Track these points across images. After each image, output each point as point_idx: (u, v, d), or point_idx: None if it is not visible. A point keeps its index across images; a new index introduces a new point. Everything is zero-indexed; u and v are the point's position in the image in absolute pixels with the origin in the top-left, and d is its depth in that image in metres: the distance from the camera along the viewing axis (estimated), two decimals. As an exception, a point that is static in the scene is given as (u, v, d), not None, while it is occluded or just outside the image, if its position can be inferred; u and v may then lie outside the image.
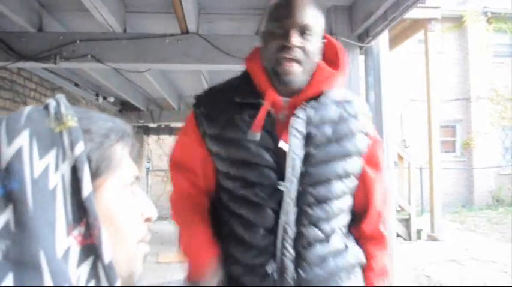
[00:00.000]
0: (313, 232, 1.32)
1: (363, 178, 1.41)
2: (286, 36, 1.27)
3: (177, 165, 1.47)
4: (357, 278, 1.41)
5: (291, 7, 1.29)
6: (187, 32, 3.16)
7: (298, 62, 1.28)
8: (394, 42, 8.72)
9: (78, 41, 3.09)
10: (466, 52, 14.94)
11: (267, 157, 1.30)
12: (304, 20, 1.28)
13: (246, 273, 1.35)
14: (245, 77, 1.41)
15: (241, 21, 3.51)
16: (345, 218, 1.41)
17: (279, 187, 1.28)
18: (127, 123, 0.76)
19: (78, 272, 0.60)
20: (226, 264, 1.37)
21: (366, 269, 1.44)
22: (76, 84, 5.54)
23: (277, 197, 1.29)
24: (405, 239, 8.55)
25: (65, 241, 0.60)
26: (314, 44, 1.31)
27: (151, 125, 9.51)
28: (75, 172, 0.62)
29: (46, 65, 3.16)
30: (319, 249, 1.33)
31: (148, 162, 13.05)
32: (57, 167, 0.62)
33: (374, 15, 2.82)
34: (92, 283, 0.62)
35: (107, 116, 0.74)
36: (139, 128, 10.05)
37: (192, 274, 1.38)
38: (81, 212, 0.62)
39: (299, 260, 1.31)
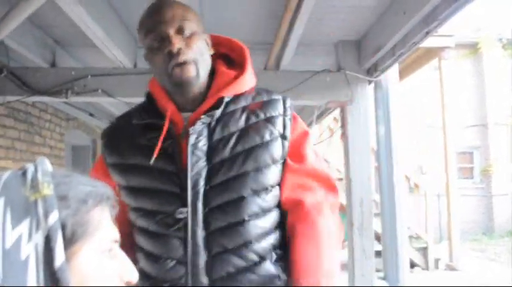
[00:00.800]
0: (230, 260, 1.16)
1: (289, 176, 1.24)
2: (167, 43, 1.15)
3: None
4: None
5: (159, 12, 1.18)
6: (196, 67, 3.20)
7: (189, 62, 1.17)
8: (407, 70, 8.72)
9: (89, 76, 3.15)
10: (482, 78, 14.83)
11: (170, 182, 1.19)
12: (178, 20, 1.17)
13: None
14: (148, 100, 1.31)
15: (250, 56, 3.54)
16: (277, 238, 1.23)
17: (177, 216, 1.16)
18: (107, 186, 0.76)
19: None
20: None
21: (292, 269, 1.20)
22: (91, 114, 5.62)
23: (182, 225, 1.17)
24: (422, 269, 8.35)
25: None
26: (197, 39, 1.20)
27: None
28: (48, 241, 0.62)
29: (58, 99, 3.21)
30: (242, 280, 1.16)
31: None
32: (30, 237, 0.62)
33: (382, 50, 2.83)
34: None
35: (88, 179, 0.74)
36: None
37: None
38: (54, 282, 0.61)
39: None
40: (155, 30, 1.17)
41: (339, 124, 3.71)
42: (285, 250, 1.23)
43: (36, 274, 0.61)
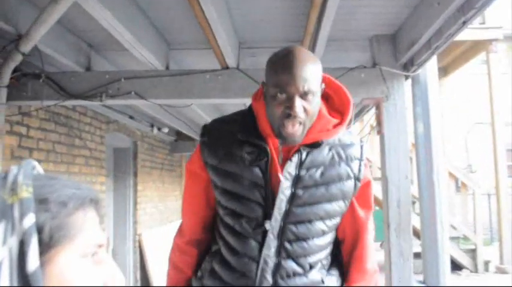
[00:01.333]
0: (292, 266, 1.45)
1: (353, 217, 1.52)
2: (290, 104, 1.31)
3: (185, 198, 1.63)
4: None
5: (292, 73, 1.30)
6: (227, 67, 3.18)
7: (300, 123, 1.34)
8: (454, 64, 8.43)
9: (122, 79, 3.19)
10: (534, 71, 14.11)
11: (257, 193, 1.41)
12: (305, 85, 1.30)
13: None
14: (250, 114, 1.48)
15: (282, 54, 3.49)
16: (326, 253, 1.52)
17: (265, 225, 1.41)
18: (93, 190, 0.73)
19: None
20: (208, 277, 1.54)
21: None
22: (131, 117, 5.72)
23: (261, 231, 1.42)
24: (471, 271, 8.03)
25: None
26: (315, 103, 1.35)
27: (207, 153, 9.64)
28: (22, 245, 0.60)
29: (93, 102, 3.28)
30: (296, 281, 1.46)
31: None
32: (5, 240, 0.60)
33: (417, 44, 2.71)
34: None
35: (73, 182, 0.71)
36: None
37: None
38: None
39: None
40: (284, 88, 1.31)
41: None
42: (328, 261, 1.54)
43: (10, 278, 0.59)
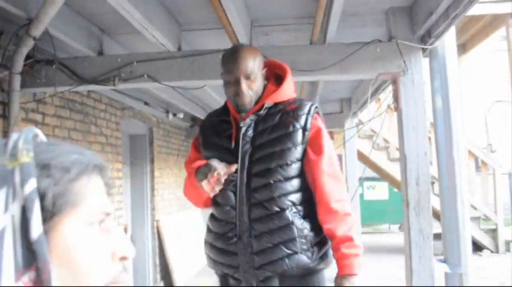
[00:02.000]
0: (261, 210, 1.82)
1: (308, 163, 1.85)
2: (237, 85, 1.84)
3: (193, 147, 2.08)
4: (306, 247, 1.82)
5: (236, 61, 1.84)
6: (239, 46, 3.13)
7: (248, 96, 1.85)
8: (473, 41, 8.21)
9: (135, 62, 3.16)
10: (557, 46, 13.75)
11: (229, 155, 1.86)
12: (247, 69, 1.83)
13: (217, 239, 1.91)
14: (225, 104, 2.03)
15: (295, 32, 3.43)
16: (295, 198, 1.84)
17: (231, 178, 1.80)
18: (97, 156, 0.70)
19: None
20: (209, 232, 1.96)
21: (332, 242, 1.85)
22: (146, 103, 5.71)
23: (234, 183, 1.84)
24: (492, 252, 7.94)
25: None
26: (258, 81, 1.88)
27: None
28: (24, 212, 0.57)
29: (106, 87, 3.26)
30: (267, 223, 1.82)
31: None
32: (6, 207, 0.57)
33: (435, 14, 2.62)
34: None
35: (76, 148, 0.68)
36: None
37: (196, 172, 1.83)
38: (31, 255, 0.56)
39: (251, 230, 1.83)
40: (231, 73, 1.85)
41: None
42: (304, 207, 1.87)
43: (13, 246, 0.56)
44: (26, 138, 0.63)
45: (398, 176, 8.03)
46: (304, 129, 1.84)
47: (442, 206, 3.11)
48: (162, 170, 6.84)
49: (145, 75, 3.16)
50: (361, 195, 9.06)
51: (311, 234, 1.83)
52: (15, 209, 0.58)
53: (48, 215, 0.59)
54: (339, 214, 1.80)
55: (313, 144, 1.85)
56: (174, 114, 6.81)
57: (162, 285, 6.44)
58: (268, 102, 1.89)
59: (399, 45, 2.96)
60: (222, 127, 1.95)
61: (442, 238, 3.08)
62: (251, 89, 1.84)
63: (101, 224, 0.66)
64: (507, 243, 8.06)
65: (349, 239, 1.78)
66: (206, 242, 1.98)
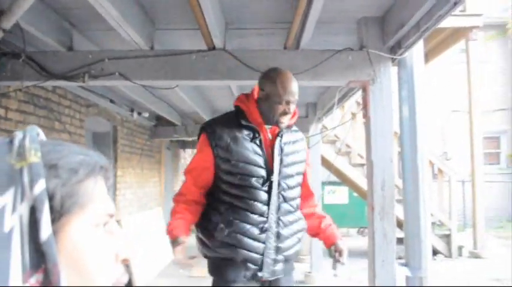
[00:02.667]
0: (287, 206, 2.29)
1: (304, 174, 2.42)
2: (285, 105, 2.21)
3: (190, 171, 2.31)
4: (303, 237, 2.42)
5: (293, 85, 2.23)
6: (213, 48, 3.13)
7: (289, 116, 2.27)
8: (433, 52, 8.50)
9: (106, 59, 3.10)
10: (510, 60, 14.38)
11: (260, 160, 2.23)
12: (294, 97, 2.23)
13: (247, 229, 2.20)
14: (238, 111, 2.31)
15: (269, 36, 3.46)
16: (299, 200, 2.40)
17: (271, 179, 2.22)
18: (102, 156, 0.70)
19: None
20: (232, 224, 2.20)
21: (322, 223, 2.49)
22: (111, 101, 5.62)
23: (266, 184, 2.22)
24: (445, 256, 8.22)
25: None
26: (294, 107, 2.28)
27: (187, 139, 9.57)
28: (34, 212, 0.57)
29: (75, 83, 3.19)
30: (290, 217, 2.31)
31: (185, 175, 13.13)
32: (14, 208, 0.57)
33: (406, 25, 2.71)
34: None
35: (81, 148, 0.68)
36: (175, 143, 10.14)
37: (169, 235, 2.19)
38: (39, 257, 0.56)
39: (279, 222, 2.25)
40: (283, 97, 2.20)
41: (361, 108, 3.60)
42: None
43: (21, 247, 0.56)
44: (32, 138, 0.63)
45: (359, 181, 8.21)
46: (304, 149, 2.42)
47: (405, 212, 3.21)
48: (124, 170, 6.74)
49: (117, 73, 3.11)
50: (322, 199, 9.19)
51: (305, 228, 2.44)
52: (24, 209, 0.57)
53: (57, 216, 0.59)
54: (318, 206, 2.62)
55: (308, 162, 2.47)
56: (139, 113, 6.73)
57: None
58: (291, 124, 2.35)
59: (370, 55, 3.04)
60: (243, 132, 2.25)
61: (404, 242, 3.18)
62: (290, 111, 2.26)
63: (105, 226, 0.66)
64: (460, 248, 8.35)
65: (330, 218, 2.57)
66: (227, 234, 2.20)
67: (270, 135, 2.28)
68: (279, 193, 2.23)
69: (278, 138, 2.27)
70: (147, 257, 6.70)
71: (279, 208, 2.24)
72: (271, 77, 2.26)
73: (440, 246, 8.24)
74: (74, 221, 0.61)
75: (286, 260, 2.32)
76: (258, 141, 2.24)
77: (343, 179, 8.75)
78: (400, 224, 4.32)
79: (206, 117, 6.84)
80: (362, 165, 8.25)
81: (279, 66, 3.08)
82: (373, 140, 3.06)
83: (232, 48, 3.22)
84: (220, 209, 2.24)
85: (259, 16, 3.15)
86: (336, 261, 2.40)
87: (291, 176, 2.28)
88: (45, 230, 0.56)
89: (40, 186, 0.57)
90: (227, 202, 2.23)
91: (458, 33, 8.04)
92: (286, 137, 2.32)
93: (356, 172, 8.29)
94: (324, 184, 7.15)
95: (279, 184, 2.23)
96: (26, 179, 0.58)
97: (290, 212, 2.29)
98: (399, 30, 2.77)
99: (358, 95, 5.51)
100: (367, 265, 3.12)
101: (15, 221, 0.56)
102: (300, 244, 2.40)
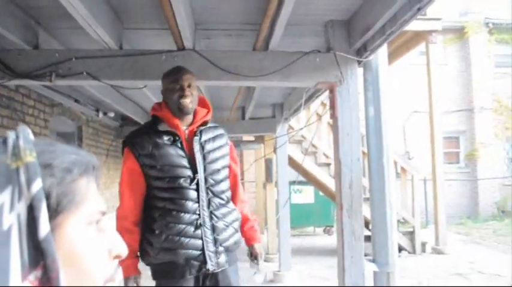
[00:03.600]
0: (218, 200, 2.47)
1: (230, 168, 2.63)
2: (182, 89, 2.46)
3: (124, 182, 2.45)
4: (238, 227, 2.60)
5: (181, 75, 2.50)
6: (183, 49, 3.13)
7: (189, 99, 2.45)
8: (395, 54, 8.72)
9: (73, 58, 3.06)
10: (468, 63, 14.92)
11: (183, 161, 2.41)
12: (188, 81, 2.49)
13: (181, 230, 2.35)
14: (156, 119, 2.54)
15: (238, 37, 3.49)
16: (229, 192, 2.58)
17: (196, 177, 2.40)
18: (93, 155, 0.72)
19: None
20: (168, 228, 2.36)
21: (245, 225, 2.74)
22: (76, 100, 5.52)
23: (194, 183, 2.39)
24: (409, 253, 8.45)
25: (20, 286, 0.56)
26: (194, 92, 2.51)
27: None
28: (31, 211, 0.58)
29: (42, 82, 3.13)
30: (222, 209, 2.48)
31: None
32: (12, 206, 0.58)
33: (372, 29, 2.79)
34: (52, 330, 0.58)
35: (72, 148, 0.70)
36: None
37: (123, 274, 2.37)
38: (38, 254, 0.57)
39: (212, 216, 2.43)
40: (177, 82, 2.48)
41: (327, 109, 3.68)
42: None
43: (19, 245, 0.57)
44: (26, 138, 0.64)
45: (325, 180, 8.34)
46: (227, 145, 2.62)
47: (372, 209, 3.30)
48: (90, 170, 6.62)
49: (85, 73, 3.07)
50: (290, 198, 9.29)
51: (240, 218, 2.64)
52: (21, 208, 0.58)
53: (53, 214, 0.61)
54: (247, 203, 2.80)
55: (232, 156, 2.65)
56: (105, 113, 6.63)
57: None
58: (207, 121, 2.57)
59: (337, 57, 3.12)
60: (163, 138, 2.42)
61: (372, 239, 3.27)
62: (191, 95, 2.45)
63: (97, 224, 0.68)
64: (423, 244, 8.61)
65: (254, 220, 2.80)
66: (165, 238, 2.35)
67: (187, 136, 2.48)
68: (207, 188, 2.41)
69: (196, 137, 2.45)
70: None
71: (209, 202, 2.41)
72: (163, 75, 2.59)
73: (405, 243, 8.47)
74: (69, 219, 0.63)
75: (227, 250, 2.47)
76: (178, 144, 2.41)
77: (310, 179, 8.87)
78: (366, 223, 4.44)
79: (173, 118, 6.82)
80: (328, 165, 8.39)
81: (247, 67, 3.15)
82: (341, 140, 3.14)
83: (201, 49, 3.24)
84: (154, 215, 2.39)
85: (228, 17, 3.17)
86: (252, 261, 2.74)
87: (217, 170, 2.46)
88: (44, 227, 0.58)
89: (37, 185, 0.59)
90: (160, 207, 2.39)
91: (418, 37, 8.29)
92: (206, 134, 2.50)
93: (322, 172, 8.41)
94: (290, 183, 7.22)
95: (206, 180, 2.41)
96: (22, 178, 0.59)
97: (222, 205, 2.47)
98: (365, 33, 2.86)
99: (323, 96, 5.60)
100: (336, 261, 3.20)
101: (13, 220, 0.57)
102: (238, 234, 2.58)
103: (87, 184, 0.67)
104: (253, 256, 2.74)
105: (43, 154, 0.63)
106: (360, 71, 3.30)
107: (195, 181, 2.37)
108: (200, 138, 2.47)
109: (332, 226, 10.87)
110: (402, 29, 2.64)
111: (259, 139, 8.87)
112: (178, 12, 2.56)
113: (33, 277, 0.57)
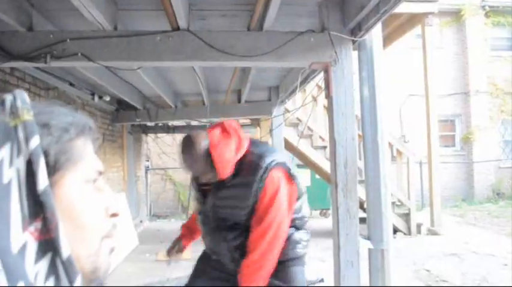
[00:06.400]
0: (232, 235, 2.50)
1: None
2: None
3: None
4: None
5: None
6: (178, 29, 3.13)
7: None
8: (391, 37, 8.69)
9: (68, 40, 3.06)
10: (464, 46, 14.90)
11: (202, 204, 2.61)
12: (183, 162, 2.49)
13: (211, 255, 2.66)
14: None
15: (233, 18, 3.49)
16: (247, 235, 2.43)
17: (207, 214, 2.56)
18: (89, 118, 0.74)
19: (36, 268, 0.59)
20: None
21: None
22: (71, 84, 5.51)
23: (207, 219, 2.58)
24: (405, 234, 8.54)
25: (21, 236, 0.58)
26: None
27: (149, 123, 9.48)
28: (30, 165, 0.61)
29: (37, 64, 3.13)
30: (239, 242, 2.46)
31: (148, 161, 13.02)
32: (11, 161, 0.60)
33: (366, 8, 2.79)
34: (51, 280, 0.60)
35: (68, 110, 0.72)
36: (137, 127, 10.02)
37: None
38: (37, 207, 0.60)
39: (230, 253, 2.51)
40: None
41: (322, 91, 3.68)
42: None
43: (19, 198, 0.60)
44: (23, 99, 0.66)
45: (321, 163, 8.38)
46: (258, 189, 2.55)
47: (367, 188, 3.34)
48: (86, 155, 6.63)
49: (79, 54, 3.07)
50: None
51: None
52: (20, 163, 0.61)
53: (51, 171, 0.63)
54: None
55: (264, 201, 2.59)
56: (100, 97, 6.62)
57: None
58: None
59: (331, 37, 3.12)
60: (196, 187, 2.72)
61: (367, 217, 3.32)
62: None
63: (94, 183, 0.70)
64: (418, 226, 8.70)
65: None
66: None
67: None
68: (219, 230, 2.51)
69: (213, 184, 2.46)
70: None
71: (225, 238, 2.48)
72: None
73: (400, 224, 8.55)
74: (68, 176, 0.65)
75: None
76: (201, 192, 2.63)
77: (306, 162, 8.90)
78: (361, 205, 4.47)
79: (168, 101, 6.82)
80: (324, 147, 8.42)
81: (242, 48, 3.15)
82: (336, 120, 3.16)
83: (195, 30, 3.24)
84: None
85: (224, -3, 3.17)
86: None
87: (227, 219, 2.46)
88: (43, 181, 0.60)
89: (35, 141, 0.61)
90: None
91: (414, 19, 8.26)
92: (226, 181, 2.36)
93: (318, 155, 8.45)
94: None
95: (215, 219, 2.51)
96: (21, 135, 0.61)
97: (238, 237, 2.46)
98: (359, 12, 2.86)
99: (318, 78, 5.62)
100: (332, 240, 3.24)
101: (12, 174, 0.60)
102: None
103: (84, 144, 0.70)
104: None
105: (41, 114, 0.66)
106: (354, 51, 3.31)
107: (207, 218, 2.63)
108: (217, 184, 2.63)
109: (328, 209, 10.94)
110: (396, 8, 2.65)
111: (255, 122, 8.88)
112: (173, -9, 2.56)
113: (33, 228, 0.60)
